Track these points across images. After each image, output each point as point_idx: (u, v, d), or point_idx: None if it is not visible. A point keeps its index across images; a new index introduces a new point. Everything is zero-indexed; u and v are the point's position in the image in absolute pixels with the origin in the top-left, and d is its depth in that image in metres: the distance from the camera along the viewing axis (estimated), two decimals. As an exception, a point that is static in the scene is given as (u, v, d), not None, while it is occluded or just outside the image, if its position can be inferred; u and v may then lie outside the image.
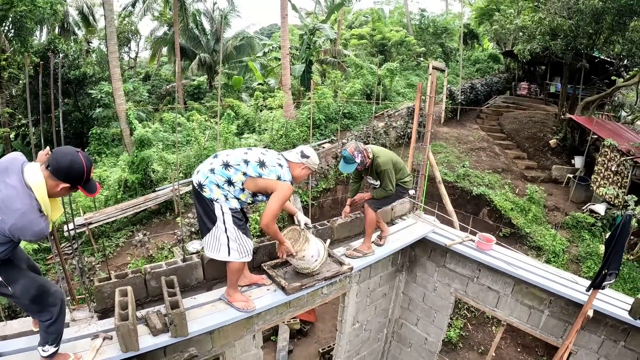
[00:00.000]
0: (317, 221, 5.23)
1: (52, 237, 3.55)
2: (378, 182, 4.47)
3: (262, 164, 3.29)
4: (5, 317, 6.03)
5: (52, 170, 2.21)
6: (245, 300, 3.60)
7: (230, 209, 3.25)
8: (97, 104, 15.99)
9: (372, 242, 4.83)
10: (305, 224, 4.02)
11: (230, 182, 3.23)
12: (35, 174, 2.20)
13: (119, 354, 2.95)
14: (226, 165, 3.25)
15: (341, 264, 4.39)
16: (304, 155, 3.52)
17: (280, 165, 3.37)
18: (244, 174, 3.25)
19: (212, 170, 3.24)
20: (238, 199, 3.30)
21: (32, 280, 2.45)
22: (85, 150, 15.29)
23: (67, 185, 2.25)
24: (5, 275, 2.32)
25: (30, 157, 2.51)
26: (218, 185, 3.22)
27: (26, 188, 2.16)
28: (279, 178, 3.30)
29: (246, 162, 3.27)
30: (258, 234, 8.70)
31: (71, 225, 3.67)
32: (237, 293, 3.62)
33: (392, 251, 5.13)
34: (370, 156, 4.32)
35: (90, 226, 8.86)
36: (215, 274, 3.98)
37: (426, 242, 5.62)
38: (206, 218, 3.29)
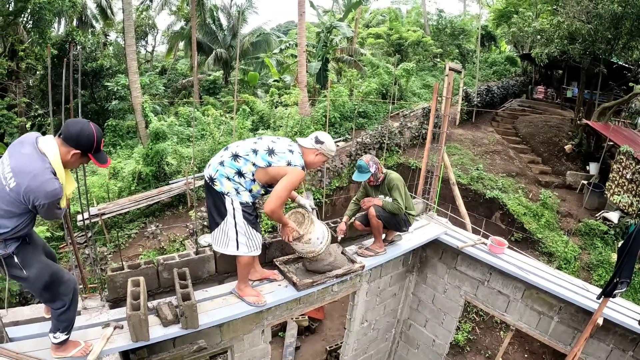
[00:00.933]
0: (329, 219, 5.24)
1: (67, 225, 3.61)
2: (389, 198, 4.47)
3: (270, 152, 3.20)
4: (16, 304, 6.16)
5: (63, 138, 2.28)
6: (257, 294, 3.61)
7: (241, 203, 3.21)
8: (113, 96, 16.18)
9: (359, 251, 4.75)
10: (310, 206, 3.91)
11: (240, 174, 3.18)
12: (48, 141, 2.27)
13: (130, 344, 2.99)
14: (235, 157, 3.19)
15: (353, 262, 4.40)
16: (318, 141, 3.42)
17: (291, 151, 3.29)
18: (254, 164, 3.17)
19: (222, 163, 3.20)
20: (250, 191, 3.25)
21: (47, 265, 2.49)
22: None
23: (78, 152, 2.31)
24: (22, 257, 2.35)
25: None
26: (228, 178, 3.17)
27: (40, 153, 2.22)
28: (289, 164, 3.21)
29: (255, 151, 3.20)
30: (270, 229, 8.73)
31: (85, 215, 3.71)
32: (248, 287, 3.63)
33: (403, 251, 5.12)
34: (384, 171, 4.46)
35: (104, 217, 8.97)
36: (227, 267, 4.01)
37: (438, 244, 5.60)
38: (216, 212, 3.27)
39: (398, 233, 5.01)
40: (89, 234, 6.88)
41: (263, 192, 3.37)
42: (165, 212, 10.09)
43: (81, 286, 3.54)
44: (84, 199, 3.47)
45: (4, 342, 2.81)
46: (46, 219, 2.40)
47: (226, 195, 3.18)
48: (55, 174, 2.24)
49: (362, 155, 4.56)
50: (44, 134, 2.53)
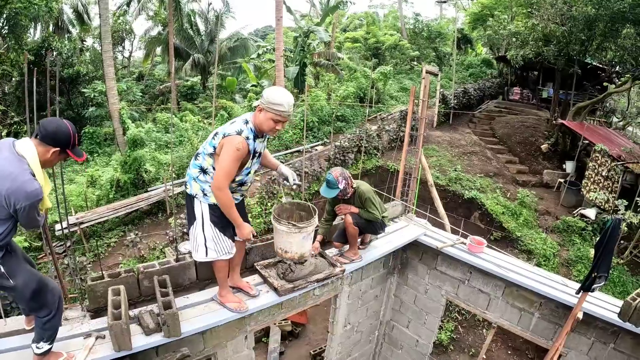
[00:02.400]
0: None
1: (45, 235, 3.56)
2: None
3: (215, 134, 3.06)
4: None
5: (40, 138, 2.32)
6: (238, 301, 3.58)
7: (209, 205, 3.16)
8: (90, 103, 15.95)
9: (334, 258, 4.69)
10: (294, 183, 3.49)
11: (203, 171, 3.10)
12: (25, 143, 2.31)
13: (112, 353, 2.96)
14: (196, 155, 3.16)
15: (334, 265, 4.43)
16: (262, 97, 3.05)
17: (232, 122, 3.10)
18: (209, 154, 3.06)
19: (190, 166, 3.20)
20: None
21: (32, 274, 2.51)
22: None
23: (57, 149, 2.35)
24: (7, 267, 2.36)
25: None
26: (195, 179, 3.13)
27: (18, 156, 2.25)
28: (224, 136, 3.00)
29: (208, 142, 3.11)
30: (261, 231, 8.72)
31: (63, 225, 3.66)
32: (229, 294, 3.61)
33: (383, 254, 5.17)
34: (354, 186, 4.37)
35: (82, 226, 8.81)
36: (208, 274, 3.99)
37: (418, 245, 5.66)
38: (190, 217, 3.27)
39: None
40: (68, 244, 6.76)
41: (235, 186, 3.22)
42: (145, 220, 9.96)
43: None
44: (62, 208, 3.42)
45: None
46: (26, 226, 2.37)
47: (195, 197, 3.17)
48: (34, 175, 2.27)
49: (332, 168, 4.43)
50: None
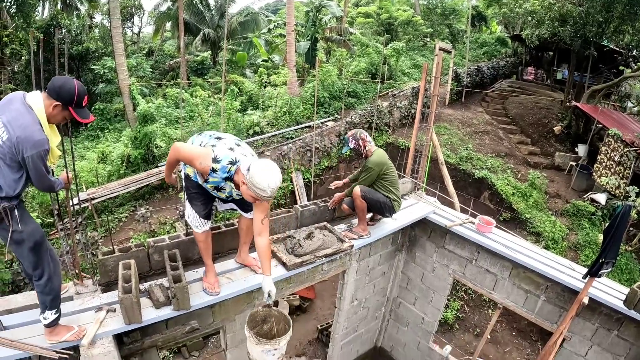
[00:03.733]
0: (318, 198, 5.27)
1: (57, 210, 3.59)
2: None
3: (214, 142, 3.12)
4: (9, 292, 6.17)
5: (47, 91, 2.42)
6: (211, 282, 3.49)
7: (185, 174, 3.22)
8: (100, 80, 15.93)
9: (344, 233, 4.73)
10: (269, 295, 3.22)
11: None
12: (35, 95, 2.43)
13: (122, 326, 3.02)
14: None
15: (342, 241, 4.45)
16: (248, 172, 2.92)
17: (231, 162, 3.01)
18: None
19: None
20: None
21: (38, 226, 2.62)
22: (88, 125, 15.32)
23: (59, 104, 2.42)
24: (20, 213, 2.48)
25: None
26: None
27: (27, 107, 2.38)
28: None
29: (207, 138, 3.17)
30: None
31: (75, 200, 3.69)
32: (209, 272, 3.54)
33: (392, 230, 5.17)
34: (372, 150, 4.50)
35: (93, 201, 8.90)
36: (217, 248, 4.01)
37: (426, 223, 5.67)
38: None
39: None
40: (80, 219, 6.85)
41: (202, 180, 3.13)
42: (155, 195, 10.04)
43: (76, 271, 3.54)
44: (73, 184, 3.45)
45: None
46: (37, 184, 2.47)
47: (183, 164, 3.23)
48: (42, 126, 2.38)
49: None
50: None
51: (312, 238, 4.32)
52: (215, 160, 2.92)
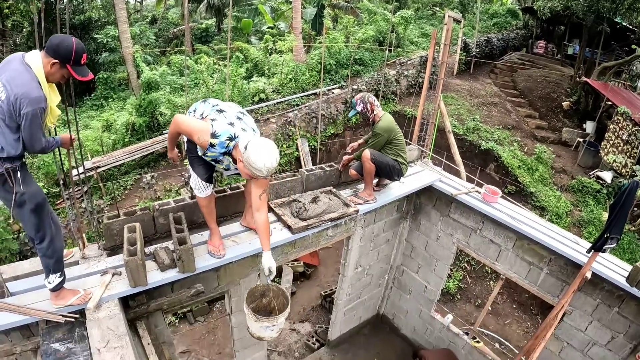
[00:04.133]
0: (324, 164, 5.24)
1: (62, 180, 3.58)
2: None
3: (216, 115, 3.08)
4: (15, 260, 6.26)
5: (45, 49, 2.40)
6: (216, 245, 3.52)
7: (188, 138, 3.16)
8: (103, 49, 15.74)
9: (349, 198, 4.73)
10: (270, 271, 3.20)
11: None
12: (33, 54, 2.41)
13: (128, 289, 3.05)
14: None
15: (347, 205, 4.44)
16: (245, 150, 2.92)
17: (230, 137, 3.00)
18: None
19: None
20: None
21: (40, 188, 2.64)
22: (92, 95, 15.25)
23: (57, 61, 2.39)
24: (23, 175, 2.49)
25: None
26: None
27: (26, 66, 2.37)
28: None
29: (209, 108, 3.15)
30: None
31: (80, 170, 3.67)
32: (214, 235, 3.56)
33: (397, 197, 5.15)
34: (379, 115, 4.46)
35: (99, 170, 8.92)
36: (222, 211, 4.01)
37: (432, 191, 5.64)
38: None
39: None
40: (85, 188, 6.83)
41: (201, 153, 3.14)
42: (160, 162, 10.05)
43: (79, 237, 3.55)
44: (78, 153, 3.42)
45: (5, 296, 2.86)
46: (29, 142, 2.41)
47: None
48: (40, 84, 2.37)
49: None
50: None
51: (318, 202, 4.31)
52: (213, 135, 2.90)
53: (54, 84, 2.55)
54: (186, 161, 3.56)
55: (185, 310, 7.28)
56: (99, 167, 8.93)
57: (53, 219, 2.71)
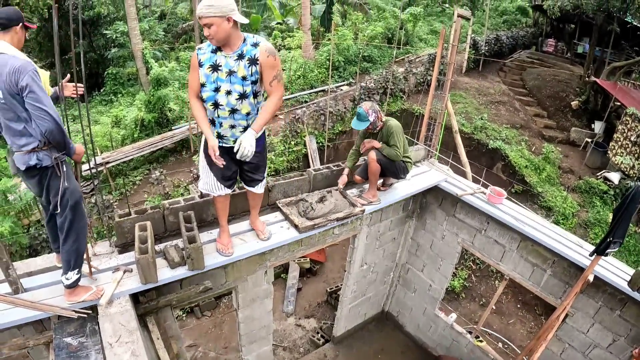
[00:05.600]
0: (332, 162, 5.29)
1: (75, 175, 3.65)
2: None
3: None
4: (27, 256, 6.36)
5: (2, 28, 2.50)
6: (224, 244, 3.59)
7: (205, 140, 3.15)
8: (112, 44, 15.82)
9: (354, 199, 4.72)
10: (241, 145, 2.93)
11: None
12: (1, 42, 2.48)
13: (139, 286, 3.14)
14: None
15: (354, 205, 4.50)
16: None
17: None
18: None
19: None
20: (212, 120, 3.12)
21: (78, 186, 2.77)
22: (102, 90, 15.37)
23: (19, 25, 2.56)
24: (67, 170, 2.64)
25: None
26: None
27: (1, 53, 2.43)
28: None
29: None
30: (272, 173, 8.80)
31: (90, 165, 3.74)
32: (223, 233, 3.64)
33: (404, 196, 5.21)
34: (383, 119, 4.46)
35: (108, 165, 9.03)
36: (231, 210, 4.08)
37: (438, 190, 5.68)
38: None
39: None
40: (95, 182, 6.95)
41: (210, 109, 3.04)
42: (169, 158, 10.15)
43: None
44: (89, 149, 3.49)
45: (19, 292, 2.94)
46: (37, 108, 2.39)
47: None
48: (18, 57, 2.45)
49: (363, 101, 4.46)
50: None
51: (325, 202, 4.37)
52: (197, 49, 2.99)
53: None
54: (195, 157, 3.61)
55: (192, 305, 7.38)
56: (108, 162, 9.04)
57: (84, 214, 2.81)
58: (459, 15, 9.60)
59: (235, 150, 2.94)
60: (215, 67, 2.92)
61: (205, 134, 3.05)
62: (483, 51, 15.91)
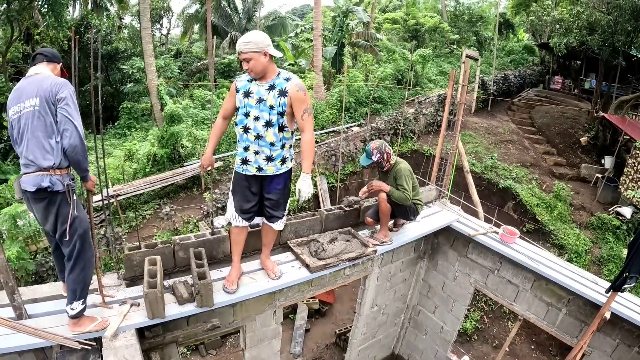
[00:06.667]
0: (342, 203, 5.28)
1: (86, 207, 3.68)
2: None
3: None
4: (32, 282, 6.34)
5: (48, 60, 2.76)
6: (230, 280, 3.58)
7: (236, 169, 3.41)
8: (128, 79, 16.27)
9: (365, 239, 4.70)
10: (300, 193, 3.24)
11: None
12: (41, 67, 2.70)
13: (145, 320, 3.08)
14: None
15: (365, 246, 4.45)
16: None
17: None
18: None
19: None
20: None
21: (87, 215, 2.80)
22: (116, 123, 15.69)
23: (60, 64, 2.83)
24: (76, 199, 2.68)
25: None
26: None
27: (41, 74, 2.62)
28: None
29: None
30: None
31: (102, 196, 3.75)
32: (232, 268, 3.64)
33: (415, 237, 5.16)
34: (392, 161, 4.46)
35: (119, 198, 9.10)
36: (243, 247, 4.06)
37: (450, 231, 5.63)
38: None
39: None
40: (106, 214, 6.97)
41: (240, 132, 3.30)
42: (180, 194, 10.21)
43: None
44: (101, 181, 3.53)
45: (23, 318, 2.90)
46: (73, 128, 2.51)
47: None
48: None
49: (374, 140, 4.49)
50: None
51: (336, 242, 4.34)
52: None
53: None
54: (206, 194, 3.74)
55: (198, 342, 7.24)
56: (119, 195, 9.11)
57: (91, 245, 2.81)
58: (467, 56, 9.78)
59: (296, 198, 3.23)
60: (247, 94, 3.20)
61: (207, 146, 3.51)
62: (491, 91, 16.12)
